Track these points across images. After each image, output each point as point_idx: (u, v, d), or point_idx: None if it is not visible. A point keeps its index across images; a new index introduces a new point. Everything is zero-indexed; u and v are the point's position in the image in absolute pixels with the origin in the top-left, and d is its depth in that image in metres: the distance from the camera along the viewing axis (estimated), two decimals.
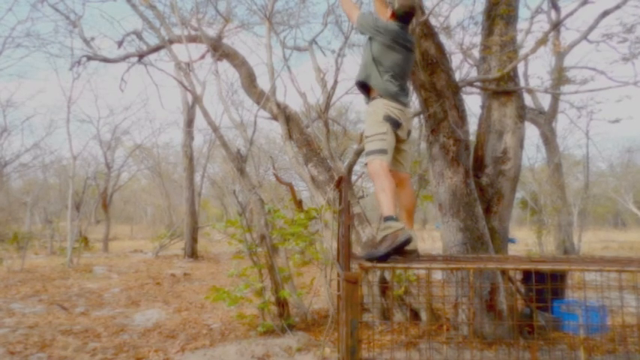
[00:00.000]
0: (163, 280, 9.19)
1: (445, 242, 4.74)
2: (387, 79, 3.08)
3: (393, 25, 3.14)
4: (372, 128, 3.04)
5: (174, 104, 47.93)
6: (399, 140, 3.13)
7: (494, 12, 5.11)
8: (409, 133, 3.26)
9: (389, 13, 3.23)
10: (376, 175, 2.93)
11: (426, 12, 4.72)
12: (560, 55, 10.30)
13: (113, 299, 7.20)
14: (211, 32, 8.61)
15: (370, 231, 5.35)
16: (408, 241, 2.75)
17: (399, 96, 3.09)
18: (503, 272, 4.50)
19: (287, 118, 6.18)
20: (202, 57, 8.91)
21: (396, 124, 3.05)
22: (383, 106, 3.05)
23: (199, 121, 16.20)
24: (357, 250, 5.10)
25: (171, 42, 7.00)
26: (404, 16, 3.19)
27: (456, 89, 4.84)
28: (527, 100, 10.37)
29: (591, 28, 5.47)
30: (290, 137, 6.06)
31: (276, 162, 13.91)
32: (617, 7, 5.41)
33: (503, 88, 5.00)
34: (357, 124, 16.61)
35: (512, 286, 4.62)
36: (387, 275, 5.27)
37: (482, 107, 5.28)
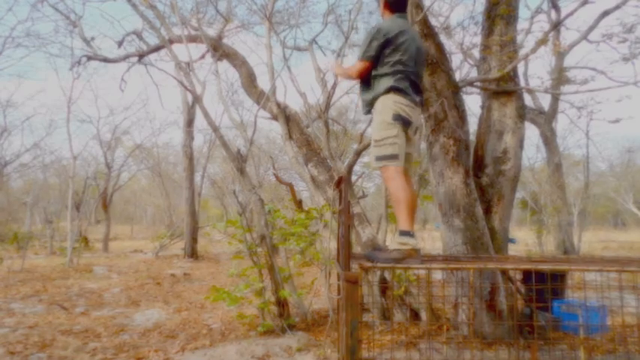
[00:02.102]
0: (163, 280, 9.19)
1: (445, 242, 4.74)
2: (396, 73, 2.90)
3: (394, 20, 3.01)
4: (381, 131, 2.84)
5: (174, 104, 47.98)
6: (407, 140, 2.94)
7: (495, 12, 5.11)
8: (417, 130, 3.12)
9: (382, 5, 3.08)
10: (393, 185, 2.79)
11: (425, 11, 4.72)
12: (560, 55, 10.31)
13: (113, 299, 7.20)
14: (211, 32, 8.62)
15: (370, 231, 5.35)
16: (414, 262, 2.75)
17: (408, 92, 2.91)
18: (504, 272, 4.50)
19: (287, 118, 6.18)
20: (202, 57, 8.92)
21: (406, 123, 2.86)
22: (392, 103, 2.85)
23: (199, 121, 16.23)
24: (357, 250, 5.10)
25: (171, 42, 7.01)
26: (397, 4, 3.04)
27: (456, 89, 4.85)
28: (528, 100, 10.38)
29: (591, 28, 5.47)
30: (290, 137, 6.07)
31: (276, 162, 13.91)
32: (617, 7, 5.41)
33: (503, 88, 5.00)
34: (357, 124, 16.61)
35: (512, 286, 4.62)
36: (387, 275, 5.26)
37: (482, 107, 5.28)
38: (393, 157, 2.81)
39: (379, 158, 2.84)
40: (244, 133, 6.84)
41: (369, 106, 3.03)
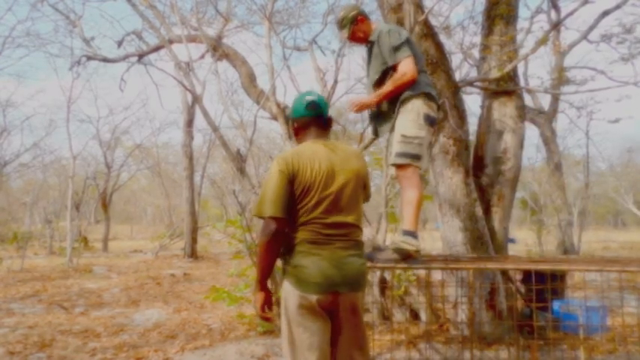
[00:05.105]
0: (163, 280, 9.19)
1: (445, 242, 4.73)
2: (420, 72, 2.88)
3: (392, 24, 3.09)
4: (412, 129, 2.81)
5: (174, 104, 48.01)
6: None
7: (494, 12, 5.10)
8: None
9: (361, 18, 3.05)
10: (408, 184, 2.79)
11: (427, 13, 4.72)
12: (560, 55, 10.30)
13: (113, 299, 7.20)
14: (211, 32, 8.62)
15: (370, 231, 5.35)
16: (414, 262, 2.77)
17: (432, 90, 2.93)
18: (503, 272, 4.50)
19: (287, 118, 6.17)
20: (202, 57, 8.93)
21: (434, 122, 2.89)
22: (423, 104, 2.84)
23: (199, 120, 16.18)
24: None
25: (171, 42, 7.00)
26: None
27: (456, 89, 4.84)
28: (528, 99, 10.37)
29: (591, 28, 5.47)
30: (290, 137, 6.06)
31: None
32: (617, 7, 5.41)
33: (503, 88, 5.00)
34: (357, 124, 16.59)
35: (512, 286, 4.62)
36: (387, 275, 5.26)
37: (482, 107, 5.28)
38: (416, 157, 2.80)
39: (403, 155, 2.80)
40: (244, 133, 6.82)
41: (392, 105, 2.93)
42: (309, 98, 2.14)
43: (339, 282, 1.98)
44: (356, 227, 2.08)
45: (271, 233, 1.93)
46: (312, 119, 2.14)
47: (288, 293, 2.01)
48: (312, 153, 2.04)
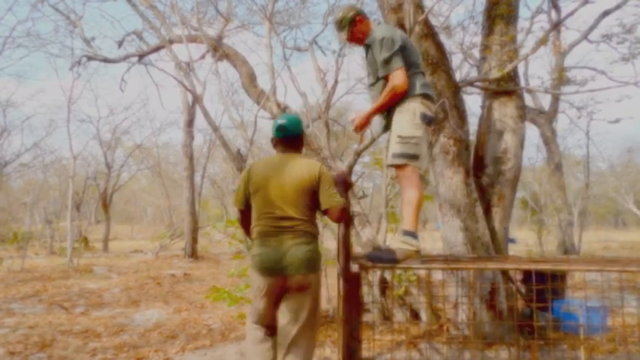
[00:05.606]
0: (163, 280, 9.19)
1: (445, 242, 4.73)
2: (416, 74, 2.90)
3: (386, 25, 3.04)
4: (409, 129, 2.81)
5: (175, 104, 48.02)
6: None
7: (495, 12, 5.11)
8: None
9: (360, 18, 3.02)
10: (408, 184, 2.79)
11: (427, 12, 4.72)
12: (560, 55, 10.30)
13: (113, 299, 7.20)
14: (211, 32, 8.63)
15: (370, 231, 5.35)
16: (414, 262, 2.78)
17: (429, 90, 2.93)
18: (504, 272, 4.50)
19: None
20: (202, 57, 8.93)
21: (430, 121, 2.89)
22: (419, 104, 2.84)
23: (199, 121, 16.17)
24: (357, 250, 5.10)
25: (171, 42, 7.01)
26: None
27: (456, 89, 4.84)
28: (528, 99, 10.37)
29: (591, 28, 5.48)
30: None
31: None
32: (618, 7, 5.42)
33: (503, 88, 5.00)
34: None
35: (512, 286, 4.62)
36: (387, 275, 5.26)
37: (483, 107, 5.28)
38: (414, 157, 2.80)
39: (400, 155, 2.80)
40: (244, 133, 6.82)
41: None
42: (280, 122, 2.68)
43: (285, 266, 2.45)
44: (303, 221, 2.52)
45: (239, 219, 2.81)
46: (280, 139, 2.73)
47: (252, 275, 2.61)
48: (270, 161, 2.65)
